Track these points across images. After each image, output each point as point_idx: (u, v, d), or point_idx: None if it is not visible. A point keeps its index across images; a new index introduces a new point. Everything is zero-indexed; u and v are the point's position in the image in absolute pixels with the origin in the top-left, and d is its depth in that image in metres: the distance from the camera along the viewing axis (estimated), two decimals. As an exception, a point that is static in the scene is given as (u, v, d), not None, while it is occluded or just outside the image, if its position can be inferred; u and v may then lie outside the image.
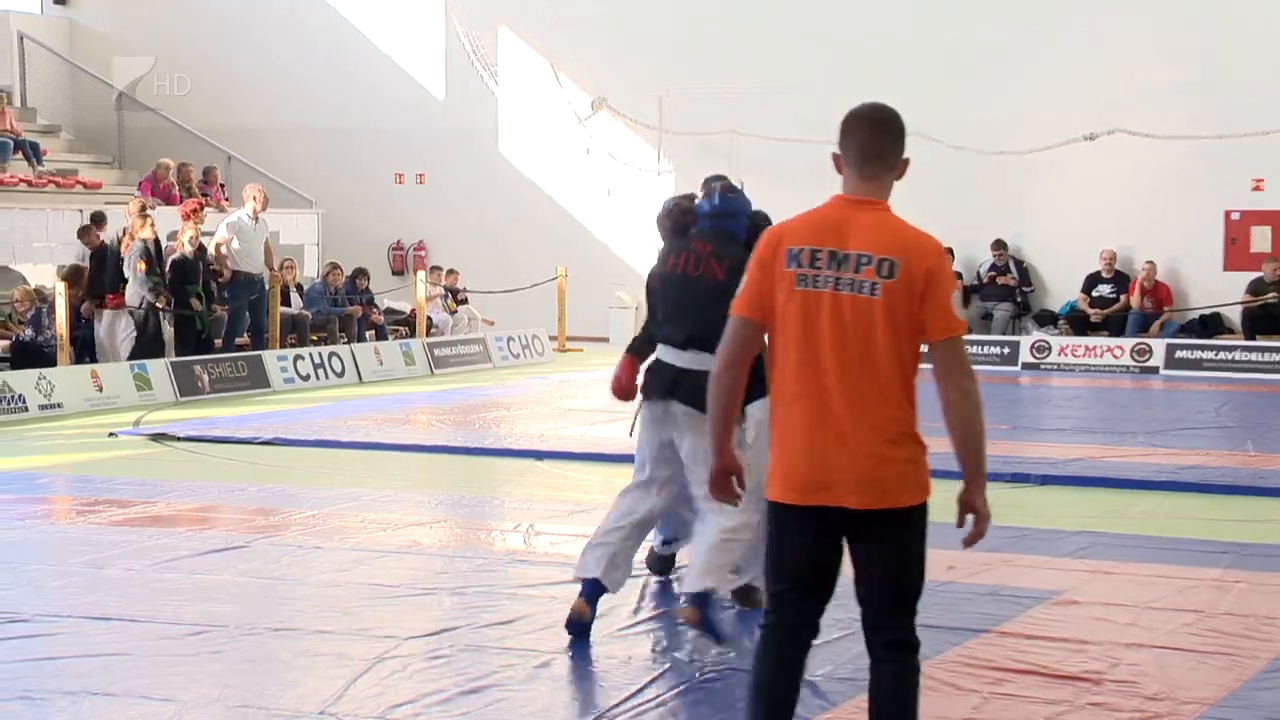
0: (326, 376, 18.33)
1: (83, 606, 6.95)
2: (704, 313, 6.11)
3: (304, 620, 6.72)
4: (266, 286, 18.68)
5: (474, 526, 9.15)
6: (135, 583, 7.49)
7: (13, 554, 8.26)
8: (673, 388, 6.20)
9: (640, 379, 6.40)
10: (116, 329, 17.10)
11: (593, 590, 6.29)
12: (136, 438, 13.33)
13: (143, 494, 10.15)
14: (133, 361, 16.42)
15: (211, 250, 18.31)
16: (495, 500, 10.25)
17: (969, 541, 4.17)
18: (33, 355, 16.25)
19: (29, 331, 16.68)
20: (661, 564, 7.42)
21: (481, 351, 21.00)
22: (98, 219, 18.43)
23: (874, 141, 4.23)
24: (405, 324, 21.99)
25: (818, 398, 4.11)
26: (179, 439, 13.05)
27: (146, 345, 17.12)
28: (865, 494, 4.08)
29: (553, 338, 22.51)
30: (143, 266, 16.92)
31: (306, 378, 18.03)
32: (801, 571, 4.19)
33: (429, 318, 21.54)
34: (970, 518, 4.17)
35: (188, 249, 17.30)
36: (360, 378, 18.71)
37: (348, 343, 19.87)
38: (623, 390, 6.61)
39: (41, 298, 17.01)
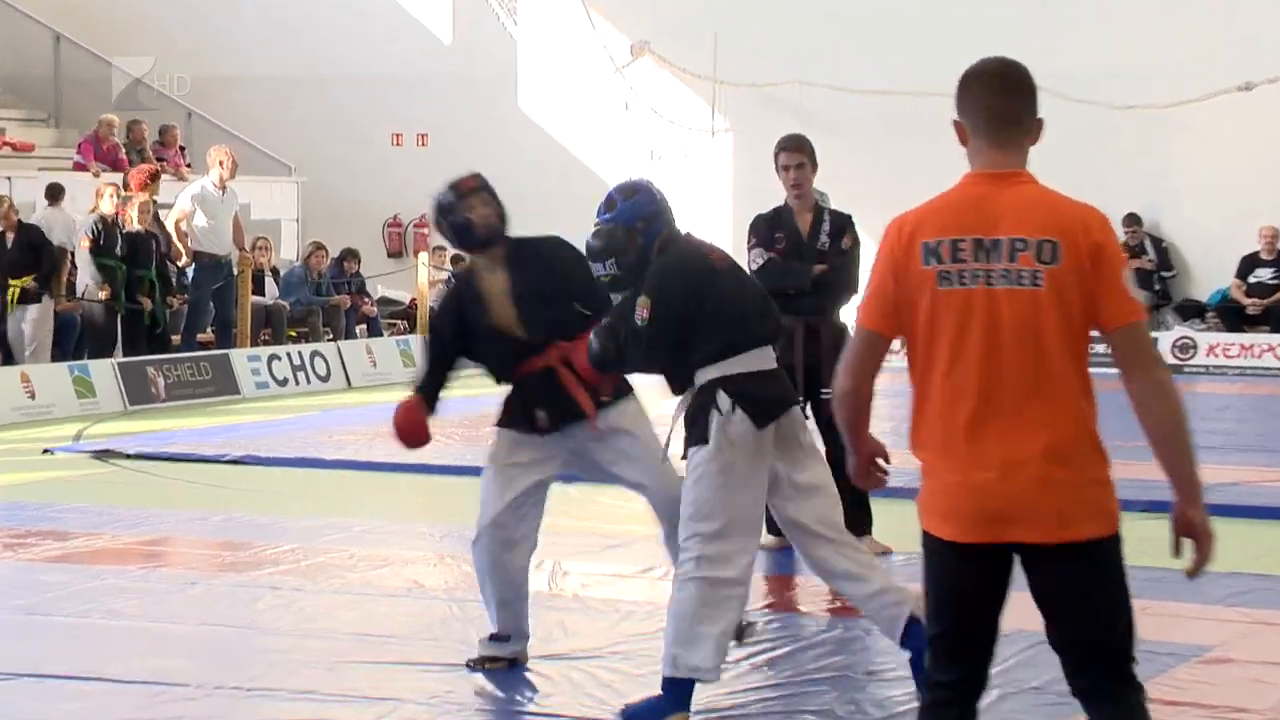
0: (308, 380, 18.38)
1: (12, 660, 6.96)
2: (759, 295, 6.34)
3: (279, 678, 6.71)
4: (235, 271, 18.74)
5: (488, 564, 9.14)
6: (76, 632, 7.50)
7: (-73, 596, 8.32)
8: (787, 396, 6.23)
9: (733, 410, 6.06)
10: (46, 324, 17.14)
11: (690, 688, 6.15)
12: (77, 455, 13.38)
13: (85, 524, 10.18)
14: (72, 363, 16.48)
15: (170, 227, 18.40)
16: (514, 532, 10.23)
17: (1194, 570, 4.20)
18: (-49, 355, 16.37)
19: (-54, 326, 16.80)
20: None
21: (496, 350, 20.97)
22: (54, 192, 18.43)
23: (1004, 103, 4.28)
24: (404, 316, 22.04)
25: (975, 415, 4.17)
26: (128, 457, 13.10)
27: (96, 344, 17.18)
28: (1037, 525, 4.14)
29: (583, 334, 22.49)
30: (86, 244, 17.00)
31: (284, 382, 18.08)
32: (960, 614, 4.27)
33: (432, 308, 21.56)
34: (1187, 541, 4.20)
35: (137, 225, 17.38)
36: (349, 382, 18.76)
37: (334, 339, 19.92)
38: (418, 437, 6.91)
39: (-39, 286, 17.13)
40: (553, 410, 6.72)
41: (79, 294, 17.38)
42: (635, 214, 6.32)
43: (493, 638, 6.93)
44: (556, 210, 24.51)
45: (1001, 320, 4.15)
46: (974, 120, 4.30)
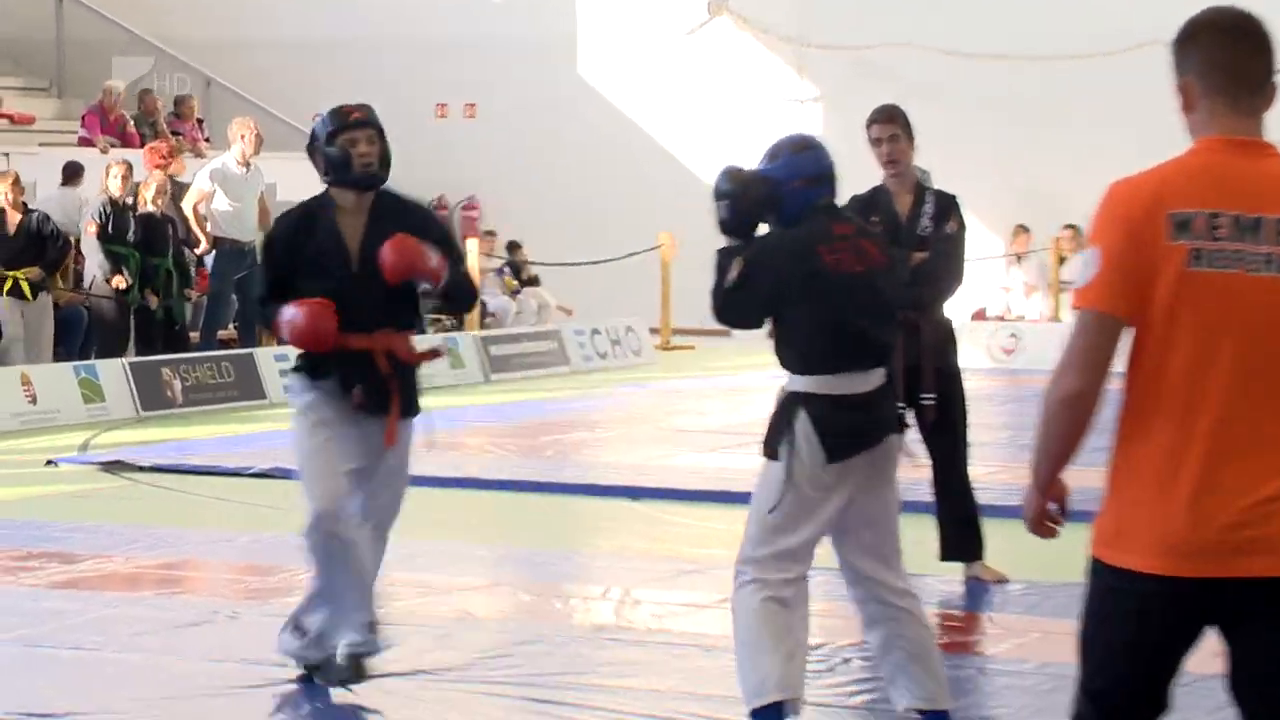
0: (342, 383, 18.43)
1: (12, 698, 7.01)
2: (885, 316, 6.36)
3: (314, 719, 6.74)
4: (260, 259, 18.75)
5: (547, 592, 9.15)
6: (84, 667, 7.54)
7: (-82, 626, 8.40)
8: (878, 428, 6.27)
9: (810, 435, 6.20)
10: (44, 321, 17.12)
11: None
12: (83, 467, 13.47)
13: (93, 545, 10.25)
14: (78, 364, 16.57)
15: (187, 209, 18.50)
16: (576, 556, 10.25)
17: None
18: (-57, 354, 16.50)
19: (-64, 322, 16.92)
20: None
21: (556, 350, 21.06)
22: (72, 171, 18.32)
23: (1247, 62, 4.14)
24: (450, 312, 22.07)
25: (1219, 423, 4.03)
26: (141, 469, 13.17)
27: (106, 342, 17.25)
28: (1275, 556, 4.00)
29: (654, 330, 22.51)
30: (93, 230, 17.08)
31: (314, 385, 18.13)
32: (1140, 669, 4.12)
33: (483, 303, 21.62)
34: None
35: (152, 207, 17.46)
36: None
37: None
38: (328, 338, 6.90)
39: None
40: (369, 393, 6.93)
41: (86, 285, 17.47)
42: (797, 170, 6.41)
43: (366, 629, 7.00)
44: (623, 187, 24.59)
45: (1262, 314, 4.00)
46: (1208, 80, 4.13)
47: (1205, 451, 4.02)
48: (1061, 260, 22.59)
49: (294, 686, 7.25)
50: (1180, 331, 4.02)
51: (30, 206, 17.42)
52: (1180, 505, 4.02)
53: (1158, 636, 4.09)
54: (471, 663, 7.62)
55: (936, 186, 9.26)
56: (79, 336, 17.70)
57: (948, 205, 9.10)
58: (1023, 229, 23.27)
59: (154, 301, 17.32)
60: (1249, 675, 4.13)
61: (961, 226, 9.09)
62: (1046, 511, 4.22)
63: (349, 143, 6.95)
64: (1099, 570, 4.13)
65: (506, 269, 23.11)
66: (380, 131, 7.06)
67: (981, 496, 9.10)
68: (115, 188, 17.18)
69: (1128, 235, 4.03)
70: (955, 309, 9.58)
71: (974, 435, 9.18)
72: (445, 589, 9.08)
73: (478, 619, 8.48)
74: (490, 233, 23.70)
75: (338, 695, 7.08)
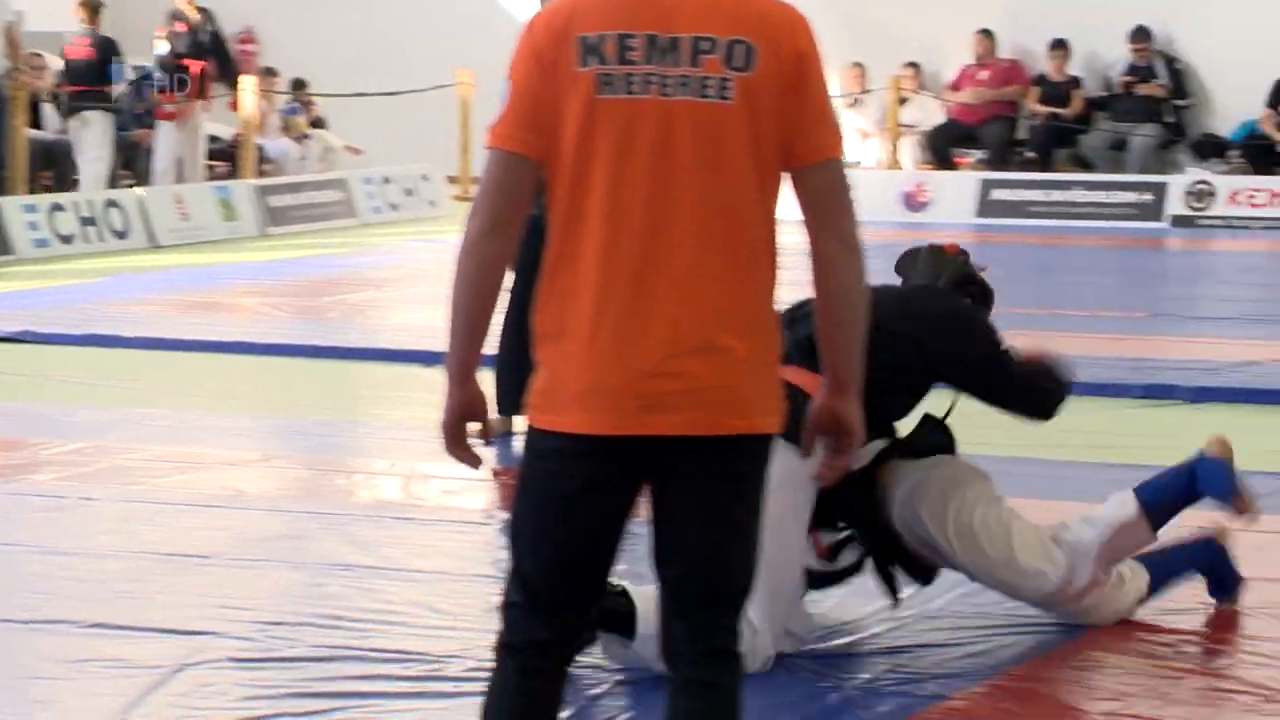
0: (101, 238, 18.32)
1: None
2: None
3: (63, 607, 6.76)
4: (4, 94, 18.60)
5: (326, 466, 9.22)
6: None
7: None
8: None
9: None
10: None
11: None
12: None
13: None
14: None
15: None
16: (359, 427, 10.31)
17: (828, 475, 4.25)
18: None
19: None
20: None
21: (342, 201, 21.03)
22: None
23: None
24: (224, 156, 21.94)
25: (631, 265, 4.04)
26: None
27: None
28: (704, 411, 4.03)
29: (452, 179, 22.48)
30: None
31: (69, 239, 18.01)
32: (570, 545, 4.12)
33: (260, 147, 21.49)
34: (823, 440, 4.20)
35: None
36: (153, 239, 18.69)
37: (134, 184, 19.82)
38: None
39: None
40: None
41: None
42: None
43: None
44: (419, 22, 24.37)
45: (680, 141, 4.03)
46: None
47: (613, 293, 4.03)
48: (902, 101, 22.74)
49: (44, 568, 7.27)
50: (592, 164, 4.04)
51: None
52: (601, 347, 4.04)
53: (573, 499, 4.08)
54: (243, 543, 7.67)
55: None
56: None
57: None
58: (858, 66, 23.39)
59: None
60: (677, 564, 4.15)
61: None
62: (463, 422, 4.19)
63: None
64: (530, 437, 4.14)
65: (297, 108, 22.95)
66: None
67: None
68: None
69: (538, 67, 4.06)
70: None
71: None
72: (213, 464, 9.11)
73: (249, 497, 8.53)
74: (271, 70, 23.47)
75: (89, 576, 7.10)
